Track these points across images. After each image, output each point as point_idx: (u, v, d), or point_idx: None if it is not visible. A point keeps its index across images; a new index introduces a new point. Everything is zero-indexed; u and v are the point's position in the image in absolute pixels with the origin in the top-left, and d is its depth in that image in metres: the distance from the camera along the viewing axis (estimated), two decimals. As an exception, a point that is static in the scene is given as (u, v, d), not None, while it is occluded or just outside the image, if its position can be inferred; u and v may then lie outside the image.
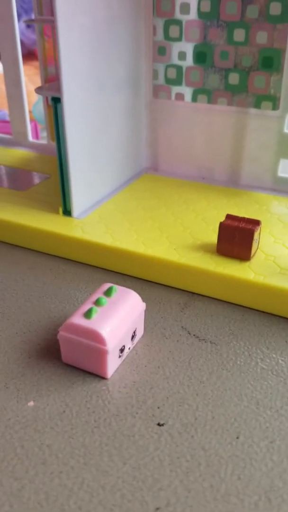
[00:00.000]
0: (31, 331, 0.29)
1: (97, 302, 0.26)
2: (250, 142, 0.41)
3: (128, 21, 0.39)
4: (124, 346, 0.26)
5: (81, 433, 0.23)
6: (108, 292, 0.27)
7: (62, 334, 0.25)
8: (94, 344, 0.25)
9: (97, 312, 0.25)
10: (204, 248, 0.33)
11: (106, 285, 0.27)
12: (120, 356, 0.26)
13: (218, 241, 0.32)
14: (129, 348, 0.27)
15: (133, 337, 0.27)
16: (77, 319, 0.25)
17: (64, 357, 0.26)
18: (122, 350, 0.26)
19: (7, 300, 0.32)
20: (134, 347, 0.28)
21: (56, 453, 0.22)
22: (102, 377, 0.25)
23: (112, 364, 0.25)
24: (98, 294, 0.27)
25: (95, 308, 0.25)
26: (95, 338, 0.24)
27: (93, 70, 0.36)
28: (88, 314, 0.25)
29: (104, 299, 0.26)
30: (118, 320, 0.25)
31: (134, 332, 0.27)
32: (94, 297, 0.26)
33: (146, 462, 0.21)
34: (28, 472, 0.21)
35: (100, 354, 0.25)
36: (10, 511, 0.19)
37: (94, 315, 0.25)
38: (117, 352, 0.26)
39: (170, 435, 0.22)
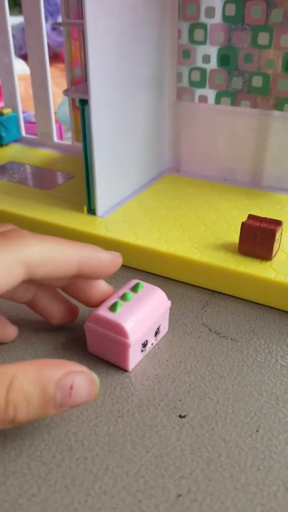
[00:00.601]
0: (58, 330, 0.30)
1: (123, 297, 0.27)
2: (272, 144, 0.42)
3: (154, 25, 0.40)
4: (147, 341, 0.27)
5: (105, 422, 0.23)
6: (134, 288, 0.27)
7: (88, 325, 0.26)
8: (117, 337, 0.25)
9: (122, 306, 0.26)
10: (226, 247, 0.34)
11: (133, 281, 0.28)
12: (142, 351, 0.27)
13: (239, 241, 0.33)
14: (152, 344, 0.28)
15: (156, 333, 0.28)
16: (103, 312, 0.26)
17: (90, 348, 0.27)
18: (144, 345, 0.27)
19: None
20: (155, 342, 0.28)
21: (81, 440, 0.22)
22: (124, 370, 0.26)
23: (134, 358, 0.26)
24: (125, 289, 0.28)
25: (120, 302, 0.26)
26: (119, 331, 0.25)
27: (119, 72, 0.37)
28: (113, 308, 0.26)
29: (130, 295, 0.27)
30: (142, 315, 0.26)
31: (158, 329, 0.28)
32: (120, 292, 0.27)
33: (168, 451, 0.22)
34: (55, 458, 0.22)
35: (122, 347, 0.26)
36: (38, 493, 0.20)
37: (119, 309, 0.26)
38: (139, 346, 0.26)
39: (192, 427, 0.23)
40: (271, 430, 0.23)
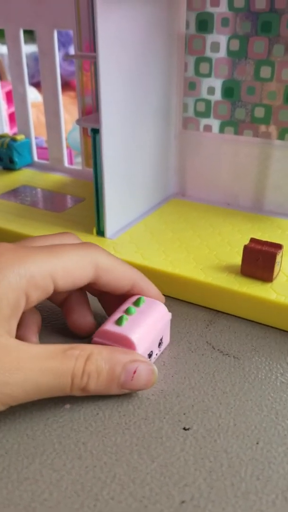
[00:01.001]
0: (68, 341, 0.31)
1: (127, 311, 0.29)
2: (274, 171, 0.44)
3: (162, 58, 0.42)
4: (151, 351, 0.28)
5: (113, 433, 0.25)
6: (137, 302, 0.29)
7: (95, 340, 0.28)
8: (125, 349, 0.27)
9: (127, 320, 0.28)
10: (229, 269, 0.35)
11: (135, 297, 0.30)
12: None
13: (242, 263, 0.34)
14: (156, 354, 0.29)
15: (160, 344, 0.29)
16: (110, 326, 0.28)
17: None
18: (150, 356, 0.28)
19: (45, 311, 0.34)
20: (162, 358, 0.30)
21: (90, 449, 0.24)
22: None
23: None
24: (128, 304, 0.29)
25: (125, 316, 0.28)
26: (126, 344, 0.27)
27: (129, 103, 0.39)
28: (119, 322, 0.28)
29: (134, 309, 0.29)
30: (146, 327, 0.28)
31: (161, 340, 0.29)
32: (124, 307, 0.29)
33: (172, 461, 0.23)
34: (65, 465, 0.23)
35: None
36: (50, 498, 0.21)
37: (125, 323, 0.28)
38: (146, 357, 0.28)
39: (195, 439, 0.24)
40: (271, 443, 0.24)
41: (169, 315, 0.30)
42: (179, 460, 0.23)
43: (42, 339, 0.30)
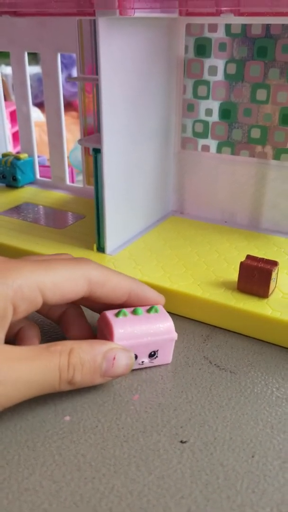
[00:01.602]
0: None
1: (134, 311, 0.30)
2: (270, 190, 0.45)
3: (161, 81, 0.43)
4: (136, 355, 0.29)
5: (111, 445, 0.25)
6: (149, 309, 0.30)
7: (98, 322, 0.31)
8: (109, 338, 0.29)
9: (126, 315, 0.29)
10: (226, 285, 0.36)
11: (153, 304, 0.31)
12: None
13: (238, 279, 0.35)
14: (142, 362, 0.30)
15: (152, 355, 0.30)
16: (109, 313, 0.30)
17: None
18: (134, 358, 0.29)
19: (46, 325, 0.35)
20: (159, 372, 0.30)
21: (89, 461, 0.24)
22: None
23: None
24: (141, 307, 0.31)
25: (126, 312, 0.30)
26: (109, 333, 0.29)
27: (129, 124, 0.40)
28: (118, 314, 0.29)
29: (141, 311, 0.30)
30: (138, 330, 0.29)
31: (155, 353, 0.30)
32: (134, 308, 0.31)
33: (169, 474, 0.23)
34: (65, 477, 0.23)
35: None
36: (49, 508, 0.22)
37: (121, 316, 0.29)
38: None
39: (192, 451, 0.25)
40: (266, 456, 0.24)
41: (173, 334, 0.30)
42: (176, 473, 0.24)
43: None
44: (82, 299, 0.29)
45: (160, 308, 0.31)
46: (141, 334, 0.29)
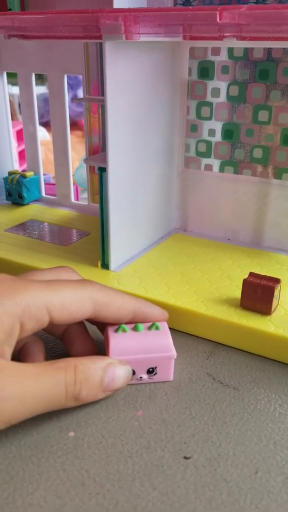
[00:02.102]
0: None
1: (134, 327, 0.31)
2: (272, 209, 0.45)
3: (166, 102, 0.45)
4: (134, 371, 0.30)
5: (115, 461, 0.25)
6: (150, 326, 0.31)
7: (105, 332, 0.31)
8: (106, 352, 0.30)
9: (126, 331, 0.30)
10: (229, 302, 0.36)
11: (155, 321, 0.32)
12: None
13: (241, 296, 0.35)
14: (140, 378, 0.30)
15: (150, 372, 0.30)
16: (109, 329, 0.31)
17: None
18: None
19: (50, 341, 0.35)
20: (163, 388, 0.30)
21: (93, 477, 0.24)
22: (118, 407, 0.29)
23: None
24: (143, 324, 0.31)
25: (126, 327, 0.30)
26: (107, 347, 0.30)
27: (134, 143, 0.41)
28: (117, 329, 0.30)
29: (142, 327, 0.30)
30: (136, 345, 0.30)
31: (154, 369, 0.30)
32: (135, 324, 0.31)
33: (173, 489, 0.24)
34: (69, 492, 0.23)
35: None
36: (54, 523, 0.22)
37: (120, 332, 0.30)
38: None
39: (195, 467, 0.25)
40: (269, 472, 0.25)
41: (171, 352, 0.30)
42: (180, 488, 0.24)
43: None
44: (87, 319, 0.30)
45: (162, 325, 0.31)
46: (137, 350, 0.30)
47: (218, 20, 0.30)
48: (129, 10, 0.33)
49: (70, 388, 0.26)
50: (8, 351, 0.26)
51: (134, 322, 0.31)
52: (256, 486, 0.24)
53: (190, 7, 0.32)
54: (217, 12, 0.30)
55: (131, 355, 0.30)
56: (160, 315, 0.32)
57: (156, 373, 0.31)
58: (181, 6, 0.44)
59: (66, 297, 0.28)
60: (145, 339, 0.30)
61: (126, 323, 0.31)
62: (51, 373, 0.26)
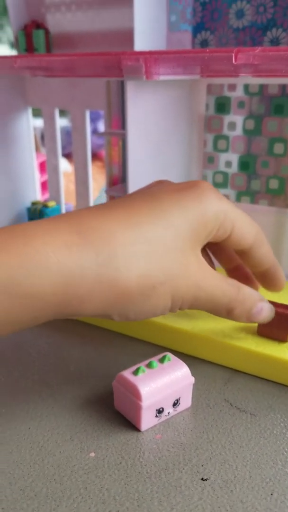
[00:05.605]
0: (93, 394, 0.33)
1: (149, 365, 0.31)
2: None
3: (184, 135, 0.47)
4: (162, 408, 0.30)
5: (135, 481, 0.26)
6: (162, 359, 0.31)
7: (114, 383, 0.30)
8: (134, 398, 0.29)
9: (145, 372, 0.30)
10: (246, 329, 0.37)
11: (163, 354, 0.32)
12: (157, 416, 0.30)
13: (258, 324, 0.36)
14: (168, 413, 0.31)
15: (175, 404, 0.31)
16: (126, 374, 0.30)
17: (116, 405, 0.31)
18: (160, 411, 0.30)
19: (66, 368, 0.36)
20: (181, 413, 0.31)
21: (114, 495, 0.25)
22: (137, 429, 0.30)
23: (147, 420, 0.29)
24: (153, 359, 0.31)
25: (143, 368, 0.30)
26: (135, 393, 0.29)
27: (153, 174, 0.43)
28: (136, 372, 0.30)
29: (156, 363, 0.31)
30: (160, 383, 0.30)
31: (178, 401, 0.31)
32: (148, 360, 0.31)
33: (190, 509, 0.24)
34: (90, 509, 0.24)
35: (137, 408, 0.29)
36: (75, 540, 0.23)
37: (141, 374, 0.30)
38: (154, 411, 0.29)
39: (212, 489, 0.25)
40: (284, 494, 0.25)
41: (191, 379, 0.31)
42: (197, 509, 0.24)
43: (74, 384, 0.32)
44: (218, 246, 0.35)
45: (171, 355, 0.32)
46: (164, 386, 0.30)
47: (233, 61, 0.32)
48: (149, 52, 0.36)
49: (231, 301, 0.30)
50: (200, 248, 0.30)
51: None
52: (271, 507, 0.24)
53: (207, 49, 0.34)
54: (233, 54, 0.32)
55: (160, 394, 0.29)
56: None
57: (179, 404, 0.31)
58: (198, 48, 0.46)
59: (245, 218, 0.31)
60: (166, 373, 0.30)
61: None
62: (225, 283, 0.30)
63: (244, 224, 0.31)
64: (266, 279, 0.35)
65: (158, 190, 0.30)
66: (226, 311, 0.31)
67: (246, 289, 0.31)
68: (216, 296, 0.30)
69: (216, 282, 0.30)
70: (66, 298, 0.25)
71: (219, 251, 0.36)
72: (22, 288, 0.24)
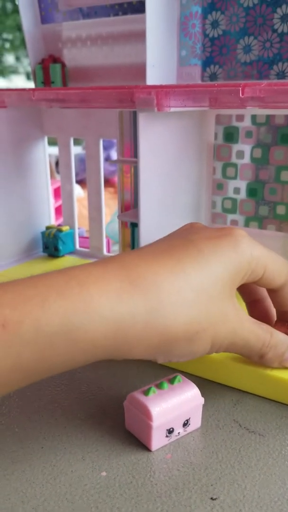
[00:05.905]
0: (104, 414, 0.34)
1: (159, 385, 0.31)
2: (295, 262, 0.47)
3: (194, 163, 0.48)
4: (173, 428, 0.31)
5: (145, 500, 0.27)
6: (172, 380, 0.32)
7: (126, 403, 0.31)
8: (145, 418, 0.30)
9: (155, 392, 0.31)
10: (254, 351, 0.38)
11: (173, 374, 0.33)
12: (167, 436, 0.30)
13: (266, 346, 0.37)
14: (179, 433, 0.31)
15: (185, 424, 0.31)
16: (137, 394, 0.31)
17: (127, 425, 0.32)
18: (170, 432, 0.30)
19: (83, 390, 0.37)
20: (191, 433, 0.32)
21: (125, 513, 0.26)
22: (148, 449, 0.30)
23: (158, 440, 0.30)
24: (163, 379, 0.32)
25: (154, 388, 0.31)
26: (146, 413, 0.30)
27: (164, 200, 0.44)
28: (146, 392, 0.30)
29: (166, 384, 0.31)
30: (171, 404, 0.30)
31: (188, 421, 0.31)
32: (158, 381, 0.32)
33: (200, 528, 0.25)
34: (102, 527, 0.25)
35: (148, 428, 0.30)
36: None
37: (151, 394, 0.30)
38: (164, 432, 0.30)
39: (222, 508, 0.26)
40: (293, 515, 0.25)
41: (201, 400, 0.32)
42: (207, 527, 0.25)
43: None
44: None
45: (182, 376, 0.33)
46: (175, 407, 0.30)
47: (241, 95, 0.34)
48: (160, 86, 0.38)
49: (264, 346, 0.31)
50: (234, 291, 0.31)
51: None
52: (280, 529, 0.25)
53: (216, 84, 0.36)
54: (240, 88, 0.34)
55: (171, 414, 0.30)
56: None
57: (189, 424, 0.32)
58: (208, 81, 0.49)
59: (277, 260, 0.32)
60: (176, 394, 0.31)
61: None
62: (259, 328, 0.31)
63: (276, 266, 0.32)
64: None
65: (197, 238, 0.31)
66: (258, 356, 0.32)
67: (279, 335, 0.33)
68: (251, 341, 0.31)
69: (251, 328, 0.31)
70: (116, 343, 0.27)
71: (241, 285, 0.37)
72: (78, 333, 0.26)
